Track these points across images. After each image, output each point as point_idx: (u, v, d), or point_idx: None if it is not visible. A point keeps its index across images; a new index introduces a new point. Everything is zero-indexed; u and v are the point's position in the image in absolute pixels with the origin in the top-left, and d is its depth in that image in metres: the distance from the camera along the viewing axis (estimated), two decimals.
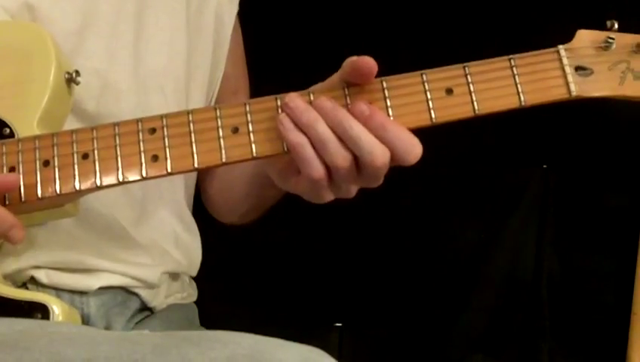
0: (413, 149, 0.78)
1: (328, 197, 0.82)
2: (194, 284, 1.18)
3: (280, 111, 0.81)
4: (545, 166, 1.72)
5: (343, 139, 0.78)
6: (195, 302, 1.17)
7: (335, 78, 0.82)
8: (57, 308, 0.85)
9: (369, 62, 0.78)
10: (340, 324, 1.77)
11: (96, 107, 0.98)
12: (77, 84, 0.90)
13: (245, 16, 1.21)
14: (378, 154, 0.77)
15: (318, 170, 0.78)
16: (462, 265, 1.74)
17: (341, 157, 0.78)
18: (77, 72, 0.90)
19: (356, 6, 1.72)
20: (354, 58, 0.79)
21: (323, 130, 0.78)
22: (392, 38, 1.60)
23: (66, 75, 0.89)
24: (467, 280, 1.74)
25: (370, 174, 0.79)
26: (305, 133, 0.78)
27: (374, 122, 0.78)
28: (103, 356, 0.68)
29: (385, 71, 0.81)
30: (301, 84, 0.83)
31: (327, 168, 0.79)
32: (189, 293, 1.15)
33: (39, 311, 0.84)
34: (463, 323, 1.74)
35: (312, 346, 0.72)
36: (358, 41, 1.63)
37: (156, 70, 1.05)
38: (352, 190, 0.82)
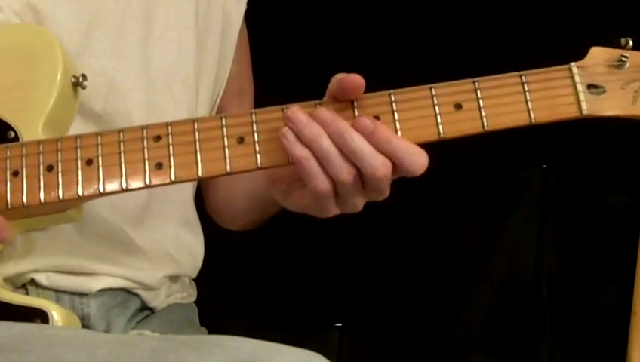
0: (418, 161, 0.78)
1: (333, 211, 0.81)
2: (194, 285, 1.18)
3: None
4: (545, 166, 1.72)
5: (344, 150, 0.77)
6: (195, 302, 1.17)
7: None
8: (56, 313, 0.84)
9: (355, 80, 0.78)
10: (340, 324, 1.77)
11: (103, 106, 0.98)
12: (83, 88, 0.89)
13: (251, 17, 1.20)
14: (379, 167, 0.77)
15: (324, 183, 0.78)
16: (462, 265, 1.74)
17: (345, 171, 0.77)
18: (84, 76, 0.89)
19: (364, 14, 1.71)
20: (340, 76, 0.78)
21: (326, 145, 0.77)
22: (401, 52, 1.60)
23: (73, 79, 0.89)
24: (467, 280, 1.74)
25: (374, 187, 0.78)
26: (308, 147, 0.78)
27: (378, 137, 0.77)
28: (102, 359, 0.68)
29: (393, 84, 0.81)
30: (305, 87, 0.83)
31: (333, 182, 0.78)
32: (189, 293, 1.15)
33: (38, 316, 0.84)
34: (463, 323, 1.74)
35: (312, 347, 0.72)
36: (365, 47, 1.63)
37: (165, 69, 1.04)
38: (359, 204, 0.81)
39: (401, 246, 1.74)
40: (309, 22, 1.72)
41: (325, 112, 0.78)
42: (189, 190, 1.11)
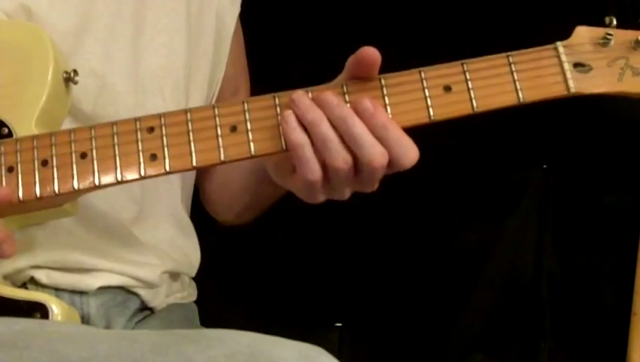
0: (410, 153, 0.78)
1: (320, 198, 0.82)
2: (194, 284, 1.18)
3: (279, 110, 0.81)
4: (545, 166, 1.72)
5: (345, 137, 0.78)
6: (195, 302, 1.17)
7: (339, 78, 0.82)
8: (57, 307, 0.85)
9: (373, 53, 0.79)
10: (340, 324, 1.77)
11: (93, 108, 0.98)
12: (75, 83, 0.90)
13: (246, 17, 1.21)
14: (377, 156, 0.77)
15: (314, 172, 0.79)
16: (462, 265, 1.74)
17: (341, 158, 0.78)
18: (75, 72, 0.90)
19: (355, 5, 1.72)
20: (358, 51, 0.79)
21: (327, 129, 0.78)
22: (390, 36, 1.60)
23: (64, 75, 0.89)
24: (467, 280, 1.74)
25: (367, 176, 0.79)
26: (308, 132, 0.78)
27: (376, 121, 0.78)
28: (102, 354, 0.68)
29: (383, 68, 0.81)
30: (300, 84, 0.83)
31: (325, 170, 0.79)
32: (189, 293, 1.15)
33: (39, 310, 0.84)
34: (463, 323, 1.74)
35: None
36: (357, 39, 1.63)
37: (155, 71, 1.05)
38: (346, 193, 0.82)
39: (401, 246, 1.75)
40: (302, 18, 1.73)
41: (331, 96, 0.79)
42: (178, 191, 1.12)
